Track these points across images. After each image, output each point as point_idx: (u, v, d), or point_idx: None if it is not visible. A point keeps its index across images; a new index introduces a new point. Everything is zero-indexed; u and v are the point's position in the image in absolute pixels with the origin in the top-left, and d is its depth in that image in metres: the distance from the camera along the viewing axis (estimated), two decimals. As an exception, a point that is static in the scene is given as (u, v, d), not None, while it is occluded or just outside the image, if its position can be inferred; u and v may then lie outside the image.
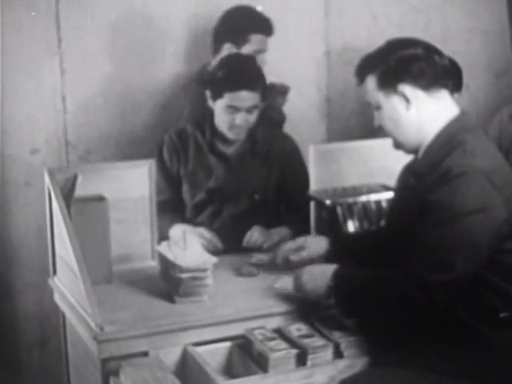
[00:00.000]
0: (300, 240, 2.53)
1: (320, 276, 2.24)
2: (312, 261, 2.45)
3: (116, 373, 2.17)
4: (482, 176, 2.04)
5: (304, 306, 2.33)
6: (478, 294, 2.07)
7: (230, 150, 2.99)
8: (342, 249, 2.47)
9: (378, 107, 2.19)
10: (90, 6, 3.25)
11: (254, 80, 2.89)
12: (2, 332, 3.30)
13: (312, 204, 2.81)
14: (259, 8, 3.31)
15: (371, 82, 2.18)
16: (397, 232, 2.24)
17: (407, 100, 2.15)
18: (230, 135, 2.94)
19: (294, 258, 2.50)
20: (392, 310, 2.10)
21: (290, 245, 2.54)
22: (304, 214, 2.83)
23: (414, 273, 2.05)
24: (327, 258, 2.48)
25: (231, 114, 2.87)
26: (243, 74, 2.89)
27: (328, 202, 2.75)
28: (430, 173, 2.12)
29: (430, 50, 2.17)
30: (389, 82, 2.15)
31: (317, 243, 2.50)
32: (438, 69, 2.15)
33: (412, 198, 2.17)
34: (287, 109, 3.40)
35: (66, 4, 3.21)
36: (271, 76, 3.09)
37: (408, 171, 2.31)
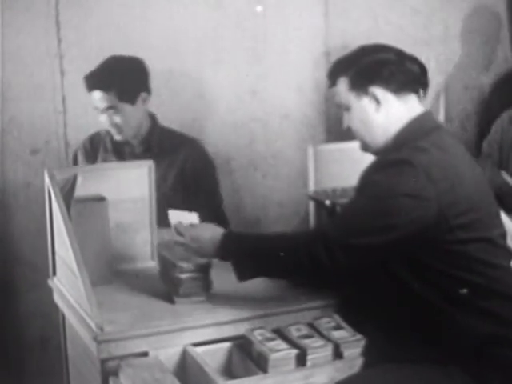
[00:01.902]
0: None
1: (208, 241, 2.29)
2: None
3: (115, 373, 2.17)
4: (417, 166, 2.06)
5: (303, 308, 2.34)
6: (436, 282, 2.08)
7: (136, 151, 3.06)
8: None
9: (348, 108, 2.23)
10: (90, 7, 3.25)
11: (105, 80, 2.91)
12: (2, 332, 3.30)
13: (312, 204, 2.81)
14: (259, 8, 3.31)
15: (343, 83, 2.22)
16: None
17: (377, 101, 2.19)
18: (115, 136, 3.01)
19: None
20: (292, 267, 2.18)
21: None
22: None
23: (320, 233, 2.14)
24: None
25: (99, 115, 2.95)
26: (95, 74, 2.94)
27: (327, 202, 2.75)
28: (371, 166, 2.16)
29: (402, 56, 2.21)
30: (361, 84, 2.20)
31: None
32: (408, 74, 2.20)
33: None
34: (287, 109, 3.40)
35: (66, 5, 3.21)
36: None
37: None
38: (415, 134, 2.17)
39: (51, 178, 2.49)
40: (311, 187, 2.85)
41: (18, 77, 3.20)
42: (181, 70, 3.45)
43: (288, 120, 3.45)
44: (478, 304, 2.06)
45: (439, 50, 3.61)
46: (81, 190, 2.53)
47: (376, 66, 2.19)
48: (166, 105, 3.42)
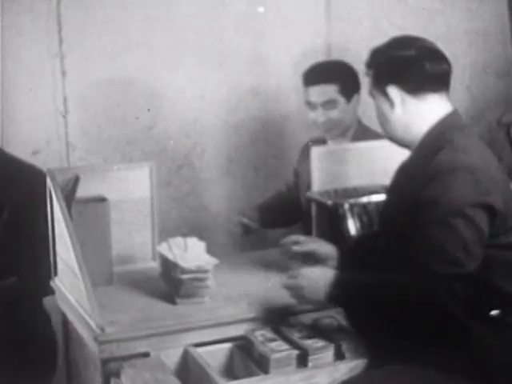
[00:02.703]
0: (311, 240, 2.55)
1: (319, 279, 2.18)
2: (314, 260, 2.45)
3: (117, 374, 2.16)
4: (475, 171, 2.05)
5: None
6: (470, 292, 2.07)
7: None
8: (350, 259, 2.46)
9: (374, 98, 2.25)
10: (92, 8, 3.25)
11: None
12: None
13: (313, 205, 2.81)
14: (261, 9, 3.31)
15: (371, 76, 2.25)
16: (389, 233, 2.24)
17: (391, 102, 2.19)
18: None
19: (296, 248, 2.50)
20: (410, 309, 2.08)
21: (299, 237, 2.55)
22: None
23: (430, 271, 2.04)
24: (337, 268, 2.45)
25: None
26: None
27: (329, 202, 2.75)
28: (421, 172, 2.13)
29: (423, 54, 2.17)
30: (378, 83, 2.21)
31: (327, 249, 2.49)
32: (426, 74, 2.17)
33: (403, 198, 2.18)
34: (288, 109, 3.40)
35: (68, 5, 3.21)
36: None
37: (400, 172, 2.32)
38: (447, 133, 2.15)
39: (52, 178, 2.49)
40: (314, 188, 2.85)
41: (19, 77, 3.20)
42: (181, 70, 3.45)
43: (288, 120, 3.44)
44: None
45: (440, 50, 3.61)
46: (82, 191, 2.53)
47: (393, 66, 2.19)
48: (167, 105, 3.42)
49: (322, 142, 3.14)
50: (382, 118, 2.24)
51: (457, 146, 2.12)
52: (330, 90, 3.00)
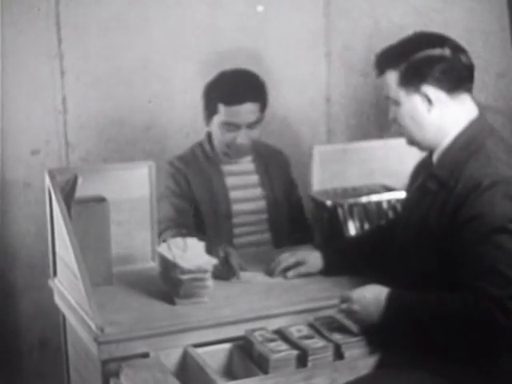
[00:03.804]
0: (298, 255, 2.55)
1: (372, 304, 2.14)
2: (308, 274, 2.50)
3: (116, 374, 2.16)
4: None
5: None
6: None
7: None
8: (336, 262, 2.49)
9: (397, 103, 2.15)
10: (91, 7, 3.24)
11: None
12: (2, 333, 3.30)
13: (313, 205, 2.81)
14: (260, 8, 3.30)
15: (392, 76, 2.14)
16: (410, 231, 2.20)
17: (430, 102, 2.11)
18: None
19: (291, 274, 2.53)
20: (464, 331, 2.05)
21: (287, 259, 2.55)
22: None
23: (482, 292, 2.00)
24: (323, 272, 2.52)
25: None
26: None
27: (329, 202, 2.75)
28: (455, 179, 2.09)
29: (457, 51, 2.13)
30: (412, 81, 2.10)
31: (314, 259, 2.52)
32: (462, 71, 2.12)
33: (433, 203, 2.13)
34: (288, 109, 3.40)
35: (67, 4, 3.21)
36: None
37: (424, 172, 2.25)
38: (478, 138, 2.11)
39: (52, 178, 2.49)
40: (314, 187, 2.85)
41: (18, 77, 3.20)
42: (181, 70, 3.44)
43: (288, 120, 3.44)
44: None
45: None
46: (81, 191, 2.53)
47: (429, 64, 2.09)
48: (166, 105, 3.42)
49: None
50: (413, 121, 2.14)
51: (490, 154, 2.08)
52: (255, 109, 2.81)
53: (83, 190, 2.54)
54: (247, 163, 2.97)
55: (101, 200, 2.54)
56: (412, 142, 2.20)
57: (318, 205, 2.78)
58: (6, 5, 3.13)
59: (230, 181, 2.93)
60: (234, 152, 2.88)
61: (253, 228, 2.96)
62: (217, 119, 2.84)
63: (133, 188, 2.65)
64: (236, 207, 2.93)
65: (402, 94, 2.13)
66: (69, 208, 2.46)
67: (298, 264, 2.54)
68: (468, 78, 2.14)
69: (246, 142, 2.84)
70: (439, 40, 2.14)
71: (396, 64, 2.12)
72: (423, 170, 2.27)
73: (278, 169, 3.02)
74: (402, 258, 2.23)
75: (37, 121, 3.26)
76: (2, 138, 3.21)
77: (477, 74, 3.88)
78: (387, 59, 2.15)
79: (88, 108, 3.30)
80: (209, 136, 2.96)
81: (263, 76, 3.03)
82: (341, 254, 2.54)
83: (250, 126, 2.83)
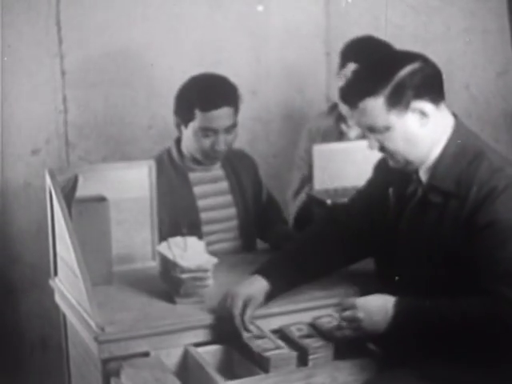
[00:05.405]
0: (241, 295, 2.29)
1: (378, 312, 2.10)
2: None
3: (117, 373, 2.17)
4: None
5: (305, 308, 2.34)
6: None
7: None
8: (281, 286, 2.32)
9: (387, 128, 2.10)
10: (91, 7, 3.25)
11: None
12: (2, 332, 3.30)
13: (313, 204, 2.81)
14: (260, 8, 3.30)
15: (375, 103, 2.08)
16: (416, 243, 2.16)
17: (424, 114, 2.09)
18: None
19: (251, 327, 2.28)
20: (482, 335, 2.04)
21: (236, 305, 2.27)
22: None
23: (501, 295, 2.00)
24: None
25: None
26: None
27: (329, 201, 2.75)
28: (465, 188, 2.07)
29: (426, 61, 2.11)
30: (401, 101, 2.07)
31: (259, 291, 2.30)
32: (438, 79, 2.12)
33: (443, 213, 2.11)
34: (287, 109, 3.40)
35: (67, 5, 3.21)
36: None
37: (398, 177, 2.23)
38: (469, 143, 2.11)
39: (52, 177, 2.49)
40: (315, 187, 2.85)
41: (19, 77, 3.20)
42: (181, 70, 3.45)
43: (288, 120, 3.44)
44: None
45: (440, 49, 3.62)
46: (82, 190, 2.53)
47: (412, 78, 2.07)
48: (166, 105, 3.42)
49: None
50: (406, 143, 2.10)
51: (491, 158, 2.08)
52: (231, 113, 2.78)
53: (83, 190, 2.54)
54: (216, 170, 2.94)
55: (101, 199, 2.54)
56: (404, 164, 2.16)
57: (319, 204, 2.78)
58: (6, 5, 3.13)
59: (198, 190, 2.89)
60: (211, 158, 2.86)
61: (223, 235, 2.94)
62: (192, 125, 2.81)
63: (133, 187, 2.66)
64: (205, 215, 2.90)
65: (392, 118, 2.09)
66: (69, 207, 2.46)
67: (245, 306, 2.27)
68: (442, 86, 2.14)
69: (224, 148, 2.82)
70: (406, 56, 2.12)
71: (375, 91, 2.08)
72: (396, 174, 2.23)
73: (247, 172, 2.99)
74: (406, 268, 2.19)
75: (37, 120, 3.26)
76: (2, 137, 3.21)
77: (477, 73, 3.90)
78: (360, 91, 2.11)
79: (88, 108, 3.31)
80: (177, 142, 2.93)
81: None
82: (285, 277, 2.36)
83: (228, 130, 2.80)
